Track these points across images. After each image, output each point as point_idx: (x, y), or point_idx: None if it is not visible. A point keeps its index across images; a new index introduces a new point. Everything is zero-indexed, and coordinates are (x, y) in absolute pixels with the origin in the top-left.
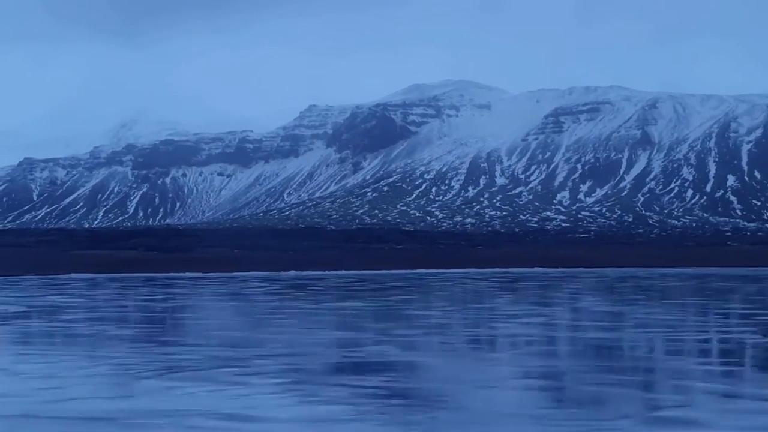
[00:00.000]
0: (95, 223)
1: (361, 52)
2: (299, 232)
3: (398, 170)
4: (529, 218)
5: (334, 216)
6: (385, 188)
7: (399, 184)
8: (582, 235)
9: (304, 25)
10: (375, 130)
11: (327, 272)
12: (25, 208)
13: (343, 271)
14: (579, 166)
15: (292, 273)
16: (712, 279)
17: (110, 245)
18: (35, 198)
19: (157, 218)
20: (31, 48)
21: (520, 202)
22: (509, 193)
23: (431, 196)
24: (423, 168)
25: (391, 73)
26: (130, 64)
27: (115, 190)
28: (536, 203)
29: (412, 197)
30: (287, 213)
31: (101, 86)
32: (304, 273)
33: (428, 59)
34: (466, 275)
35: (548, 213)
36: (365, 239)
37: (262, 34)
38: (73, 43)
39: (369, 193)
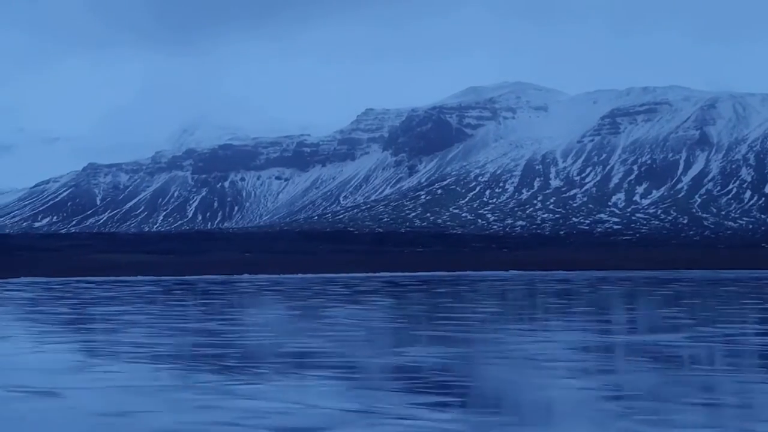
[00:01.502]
0: (155, 227)
1: (417, 55)
2: (325, 236)
3: (453, 173)
4: (582, 220)
5: (386, 219)
6: (439, 191)
7: (453, 186)
8: (625, 238)
9: (360, 31)
10: (431, 133)
11: (305, 276)
12: (89, 212)
13: (324, 275)
14: (635, 167)
15: (246, 276)
16: (654, 282)
17: (137, 248)
18: (98, 202)
19: (216, 222)
20: (86, 55)
21: (574, 205)
22: (563, 195)
23: (484, 199)
24: (477, 170)
25: (447, 76)
26: (186, 71)
27: (175, 194)
28: (590, 205)
29: (466, 200)
30: (341, 216)
31: (160, 92)
32: (264, 276)
33: (485, 62)
34: (423, 279)
35: (602, 215)
36: (393, 242)
37: (317, 40)
38: (126, 50)
39: (423, 196)
